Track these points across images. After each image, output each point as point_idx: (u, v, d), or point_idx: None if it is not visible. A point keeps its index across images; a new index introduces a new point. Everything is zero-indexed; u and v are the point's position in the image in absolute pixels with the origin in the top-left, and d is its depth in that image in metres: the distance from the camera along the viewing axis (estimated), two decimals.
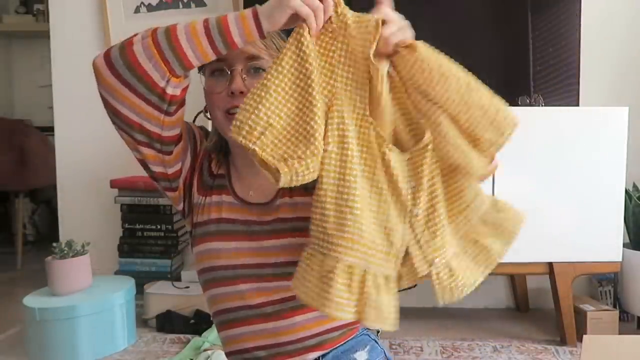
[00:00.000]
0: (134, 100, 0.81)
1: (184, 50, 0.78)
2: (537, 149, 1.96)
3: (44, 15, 3.63)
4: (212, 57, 0.80)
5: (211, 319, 1.00)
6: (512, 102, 2.07)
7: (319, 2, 0.76)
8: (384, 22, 0.77)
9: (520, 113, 2.08)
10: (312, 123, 0.75)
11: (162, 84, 0.80)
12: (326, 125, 0.77)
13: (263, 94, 0.75)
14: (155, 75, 0.79)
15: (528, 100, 2.11)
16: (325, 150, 0.76)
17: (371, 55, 0.76)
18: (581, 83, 2.18)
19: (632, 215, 2.14)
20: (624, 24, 2.40)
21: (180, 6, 2.46)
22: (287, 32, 0.83)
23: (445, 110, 0.77)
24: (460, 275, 0.79)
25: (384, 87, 0.78)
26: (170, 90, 0.81)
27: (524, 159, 1.96)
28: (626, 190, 2.05)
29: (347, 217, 0.75)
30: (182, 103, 0.86)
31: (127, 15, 2.48)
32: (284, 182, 0.74)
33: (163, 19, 2.46)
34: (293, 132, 0.75)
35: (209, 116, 0.97)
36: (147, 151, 0.88)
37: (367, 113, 0.78)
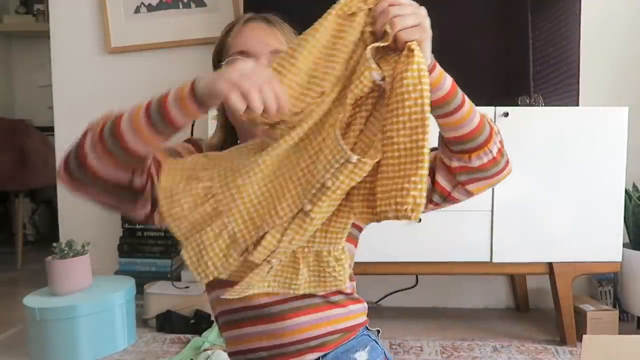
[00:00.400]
0: (106, 199, 0.80)
1: (131, 146, 0.73)
2: (537, 149, 1.96)
3: (44, 15, 3.63)
4: (161, 140, 0.75)
5: (213, 319, 1.00)
6: (512, 102, 2.07)
7: (253, 84, 0.67)
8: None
9: (520, 113, 2.10)
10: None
11: (127, 179, 0.77)
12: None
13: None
14: (119, 176, 0.76)
15: (528, 100, 2.11)
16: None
17: (368, 53, 0.72)
18: (581, 83, 2.18)
19: (632, 215, 2.14)
20: (624, 23, 2.40)
21: (180, 6, 2.46)
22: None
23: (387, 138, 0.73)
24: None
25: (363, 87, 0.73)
26: (137, 182, 0.77)
27: (524, 159, 1.96)
28: (626, 190, 2.05)
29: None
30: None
31: (127, 15, 2.48)
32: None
33: (163, 19, 2.46)
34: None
35: (218, 108, 0.95)
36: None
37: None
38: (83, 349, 1.87)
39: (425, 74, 0.70)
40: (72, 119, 2.54)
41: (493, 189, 1.97)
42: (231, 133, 0.98)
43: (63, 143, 2.55)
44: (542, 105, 2.08)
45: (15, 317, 2.24)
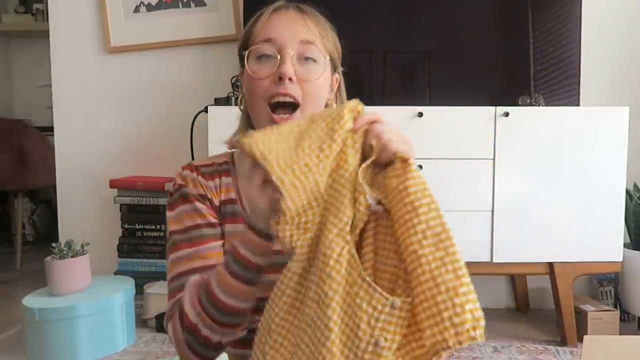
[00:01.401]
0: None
1: (229, 305, 0.75)
2: (537, 149, 1.96)
3: (43, 14, 3.63)
4: (252, 291, 0.76)
5: None
6: (513, 102, 2.07)
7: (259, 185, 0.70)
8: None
9: (521, 113, 2.09)
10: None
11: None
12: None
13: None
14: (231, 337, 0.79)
15: (528, 100, 2.10)
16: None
17: (359, 173, 0.67)
18: (582, 83, 2.18)
19: (633, 215, 2.14)
20: (624, 23, 2.40)
21: (180, 6, 2.46)
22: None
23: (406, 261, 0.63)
24: None
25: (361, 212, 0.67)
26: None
27: (524, 159, 1.96)
28: (627, 190, 2.05)
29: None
30: None
31: (127, 14, 2.47)
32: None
33: (162, 19, 2.46)
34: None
35: (242, 108, 0.92)
36: None
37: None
38: (82, 349, 1.86)
39: (425, 180, 0.65)
40: (71, 118, 2.53)
41: (494, 189, 1.97)
42: None
43: (62, 143, 2.55)
44: (542, 105, 2.08)
45: (14, 318, 2.23)
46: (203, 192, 0.89)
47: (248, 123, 0.92)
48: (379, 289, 0.62)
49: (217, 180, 0.92)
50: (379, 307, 0.62)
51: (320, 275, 0.64)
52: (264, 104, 0.84)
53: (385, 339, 0.61)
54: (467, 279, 0.60)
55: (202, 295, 0.77)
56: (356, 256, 0.65)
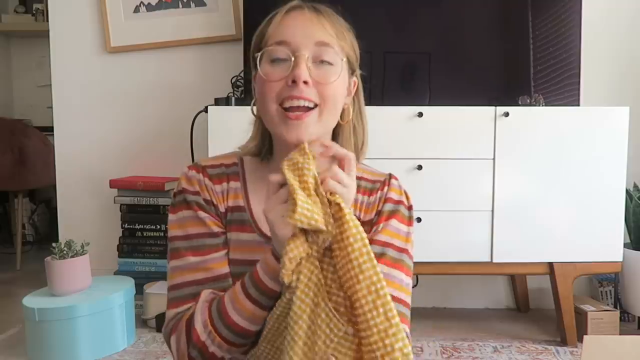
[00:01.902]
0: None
1: (241, 326, 0.77)
2: (537, 149, 1.96)
3: (43, 14, 3.63)
4: (265, 315, 0.77)
5: None
6: (513, 102, 2.07)
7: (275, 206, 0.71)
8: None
9: (521, 113, 2.10)
10: None
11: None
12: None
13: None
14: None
15: (528, 100, 2.10)
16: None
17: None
18: (582, 83, 2.18)
19: (633, 215, 2.14)
20: (624, 23, 2.40)
21: (180, 6, 2.46)
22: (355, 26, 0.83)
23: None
24: None
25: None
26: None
27: (524, 159, 1.96)
28: (627, 190, 2.05)
29: None
30: None
31: (127, 14, 2.47)
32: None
33: (162, 19, 2.46)
34: None
35: (255, 112, 0.89)
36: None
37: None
38: (82, 349, 1.86)
39: (358, 223, 0.70)
40: (71, 119, 2.54)
41: (494, 189, 1.97)
42: (268, 140, 0.90)
43: (63, 143, 2.55)
44: (542, 105, 2.08)
45: (14, 318, 2.23)
46: (209, 196, 0.88)
47: (262, 128, 0.89)
48: (336, 316, 0.70)
49: (224, 184, 0.89)
50: (335, 330, 0.70)
51: (297, 295, 0.71)
52: (276, 105, 0.81)
53: (336, 358, 0.70)
54: (396, 320, 0.68)
55: (214, 313, 0.78)
56: (322, 281, 0.71)
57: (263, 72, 0.82)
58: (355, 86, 0.91)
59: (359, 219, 0.87)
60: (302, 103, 0.80)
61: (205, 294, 0.81)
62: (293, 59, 0.79)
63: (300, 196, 0.68)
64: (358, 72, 0.91)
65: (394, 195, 0.90)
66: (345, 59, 0.84)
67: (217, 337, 0.77)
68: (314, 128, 0.81)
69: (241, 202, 0.89)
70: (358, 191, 0.89)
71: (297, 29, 0.81)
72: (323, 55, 0.81)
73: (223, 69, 2.41)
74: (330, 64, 0.82)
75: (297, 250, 0.69)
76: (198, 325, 0.78)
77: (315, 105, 0.81)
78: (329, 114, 0.83)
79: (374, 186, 0.91)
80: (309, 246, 0.70)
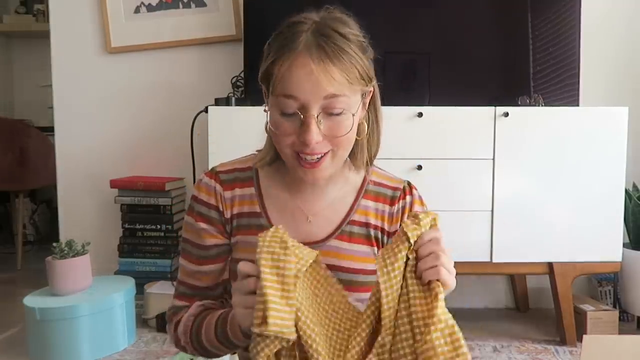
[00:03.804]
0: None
1: (213, 352, 0.88)
2: (537, 149, 1.96)
3: (44, 15, 3.64)
4: (233, 349, 0.88)
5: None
6: (512, 102, 2.07)
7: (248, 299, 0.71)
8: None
9: (521, 113, 2.09)
10: None
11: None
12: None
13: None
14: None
15: (528, 100, 2.11)
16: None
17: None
18: (581, 83, 2.18)
19: (632, 215, 2.14)
20: (623, 23, 2.40)
21: (180, 6, 2.46)
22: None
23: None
24: None
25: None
26: None
27: (524, 159, 1.97)
28: (626, 190, 2.05)
29: None
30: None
31: (127, 15, 2.47)
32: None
33: (163, 19, 2.46)
34: None
35: (267, 131, 0.87)
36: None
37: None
38: (83, 348, 1.87)
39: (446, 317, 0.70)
40: (72, 119, 2.54)
41: (494, 189, 1.97)
42: None
43: (63, 143, 2.55)
44: (542, 105, 2.08)
45: (15, 317, 2.24)
46: (215, 203, 0.90)
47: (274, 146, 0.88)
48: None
49: (236, 190, 0.91)
50: None
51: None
52: (291, 150, 0.82)
53: None
54: None
55: (193, 331, 0.87)
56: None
57: (274, 122, 0.81)
58: (371, 94, 0.88)
59: (382, 230, 0.91)
60: (315, 157, 0.81)
61: (195, 307, 0.89)
62: (302, 116, 0.78)
63: (272, 303, 0.66)
64: (374, 82, 0.87)
65: (418, 208, 0.94)
66: (358, 95, 0.82)
67: (193, 349, 0.89)
68: (328, 170, 0.84)
69: (257, 208, 0.90)
70: (379, 200, 0.92)
71: (305, 83, 0.77)
72: (332, 108, 0.79)
73: (223, 69, 2.42)
74: (341, 113, 0.80)
75: (267, 349, 0.68)
76: (180, 333, 0.89)
77: (329, 150, 0.82)
78: (344, 152, 0.84)
79: (395, 194, 0.93)
80: (279, 343, 0.69)
